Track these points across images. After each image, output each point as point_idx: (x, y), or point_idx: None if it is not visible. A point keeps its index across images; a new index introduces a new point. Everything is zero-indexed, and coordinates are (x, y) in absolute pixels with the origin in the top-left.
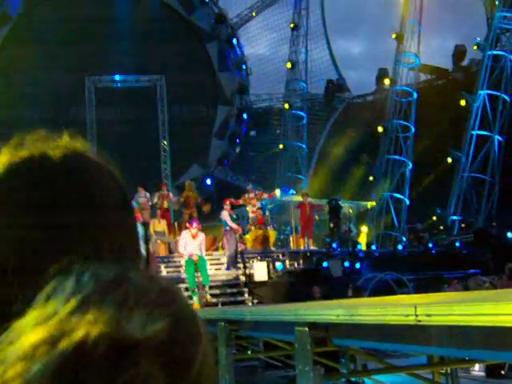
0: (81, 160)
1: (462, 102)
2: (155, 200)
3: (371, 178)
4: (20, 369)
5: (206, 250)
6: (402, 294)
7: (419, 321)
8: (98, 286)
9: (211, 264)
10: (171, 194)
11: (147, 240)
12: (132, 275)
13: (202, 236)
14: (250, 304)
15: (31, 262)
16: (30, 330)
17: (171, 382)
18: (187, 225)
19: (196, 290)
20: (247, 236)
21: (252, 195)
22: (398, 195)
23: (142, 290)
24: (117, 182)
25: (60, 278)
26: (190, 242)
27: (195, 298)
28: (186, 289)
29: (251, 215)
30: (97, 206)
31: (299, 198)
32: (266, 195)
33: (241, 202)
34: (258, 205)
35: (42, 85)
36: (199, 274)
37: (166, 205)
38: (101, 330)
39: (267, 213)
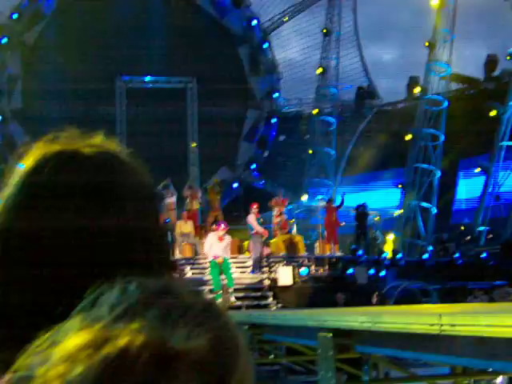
0: (112, 160)
1: (493, 113)
2: (186, 193)
3: (399, 186)
4: (62, 370)
5: (232, 253)
6: (427, 303)
7: (443, 330)
8: (143, 296)
9: (236, 267)
10: (199, 195)
11: (172, 248)
12: (177, 288)
13: (228, 239)
14: (274, 308)
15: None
16: (75, 333)
17: None
18: (214, 226)
19: (220, 291)
20: (273, 240)
21: (281, 200)
22: (425, 204)
23: (187, 303)
24: (146, 185)
25: (106, 286)
26: (216, 244)
27: (219, 301)
28: (210, 290)
29: (276, 220)
30: (118, 207)
31: (325, 204)
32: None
33: (275, 205)
34: (284, 210)
35: (73, 82)
36: (224, 276)
37: (195, 206)
38: (144, 339)
39: (292, 218)
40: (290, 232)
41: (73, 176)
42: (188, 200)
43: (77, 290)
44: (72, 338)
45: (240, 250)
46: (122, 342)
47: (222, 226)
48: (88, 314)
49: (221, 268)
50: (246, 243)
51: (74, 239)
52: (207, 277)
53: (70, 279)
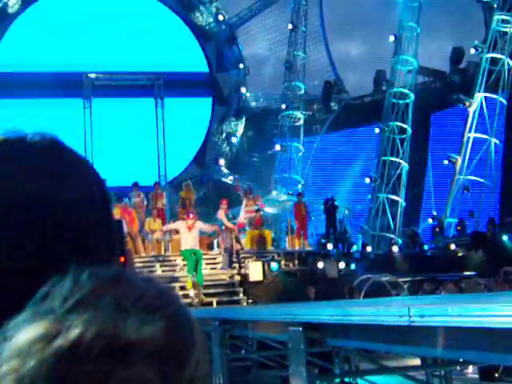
0: (57, 145)
1: (460, 105)
2: (153, 191)
3: (368, 179)
4: (15, 364)
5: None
6: (397, 295)
7: (413, 321)
8: (95, 286)
9: (206, 263)
10: (164, 194)
11: (122, 238)
12: (129, 276)
13: (199, 224)
14: (245, 304)
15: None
16: (27, 327)
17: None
18: (184, 216)
19: (191, 277)
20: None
21: (251, 196)
22: (393, 197)
23: (139, 291)
24: (92, 171)
25: (57, 278)
26: (186, 235)
27: (189, 278)
28: (181, 288)
29: (246, 215)
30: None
31: (295, 199)
32: (259, 202)
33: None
34: (255, 207)
35: (40, 79)
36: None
37: (159, 204)
38: (97, 329)
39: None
40: (262, 227)
41: (19, 161)
42: (155, 198)
43: (26, 279)
44: (23, 332)
45: (209, 246)
46: (74, 333)
47: (191, 215)
48: (39, 307)
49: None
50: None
51: (23, 224)
52: (177, 274)
53: (18, 269)
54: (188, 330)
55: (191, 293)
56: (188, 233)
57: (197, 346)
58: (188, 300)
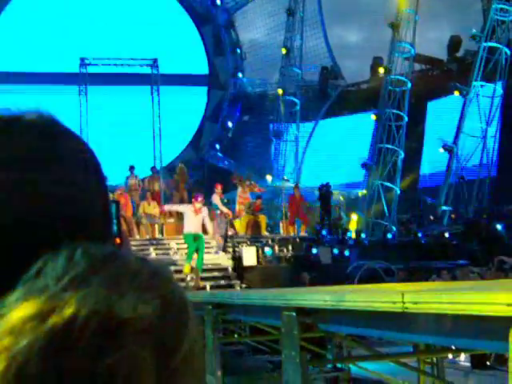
0: (52, 123)
1: (456, 93)
2: (150, 174)
3: (364, 166)
4: (7, 343)
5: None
6: (390, 282)
7: (406, 308)
8: (89, 263)
9: None
10: (160, 177)
11: (118, 218)
12: (123, 255)
13: (205, 211)
14: (238, 288)
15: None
16: (20, 305)
17: (157, 364)
18: (192, 199)
19: (190, 264)
20: (238, 221)
21: (248, 183)
22: (389, 184)
23: (134, 270)
24: (87, 149)
25: (49, 255)
26: (192, 218)
27: (186, 263)
28: (176, 271)
29: (242, 200)
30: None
31: (290, 185)
32: (256, 189)
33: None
34: (254, 195)
35: (34, 64)
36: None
37: (156, 187)
38: (91, 308)
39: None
40: (260, 213)
41: (13, 141)
42: (150, 182)
43: (19, 259)
44: (16, 310)
45: (204, 230)
46: (68, 312)
47: (199, 198)
48: (33, 285)
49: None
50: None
51: (15, 201)
52: (172, 257)
53: (10, 248)
54: (182, 309)
55: (188, 277)
56: (194, 216)
57: (190, 326)
58: (183, 284)
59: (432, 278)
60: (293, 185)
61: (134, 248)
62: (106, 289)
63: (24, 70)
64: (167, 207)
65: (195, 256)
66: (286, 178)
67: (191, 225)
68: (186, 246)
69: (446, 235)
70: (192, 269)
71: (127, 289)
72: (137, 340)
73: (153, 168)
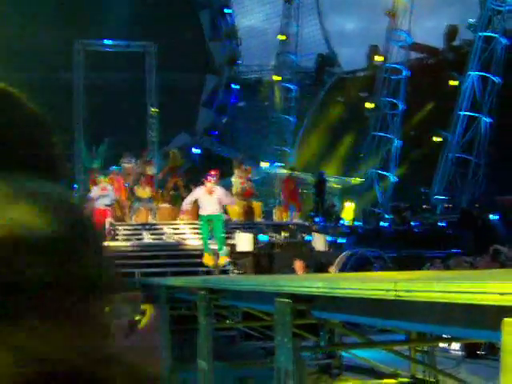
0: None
1: (452, 82)
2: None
3: (359, 154)
4: None
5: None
6: (381, 270)
7: (399, 296)
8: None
9: (194, 233)
10: (154, 161)
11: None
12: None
13: (219, 191)
14: (232, 274)
15: None
16: None
17: (56, 273)
18: (203, 179)
19: (211, 257)
20: (232, 207)
21: (244, 167)
22: (383, 172)
23: (39, 189)
24: (41, 114)
25: None
26: (206, 199)
27: (206, 252)
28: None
29: (238, 186)
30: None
31: (284, 171)
32: (250, 174)
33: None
34: (249, 177)
35: (30, 46)
36: (213, 240)
37: (148, 171)
38: None
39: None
40: (253, 199)
41: None
42: (144, 166)
43: None
44: None
45: (198, 215)
46: None
47: (210, 178)
48: None
49: (211, 227)
50: None
51: None
52: (167, 242)
53: None
54: (81, 229)
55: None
56: (209, 196)
57: (91, 244)
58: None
59: (426, 267)
60: (287, 171)
61: (127, 232)
62: (3, 207)
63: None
64: (185, 206)
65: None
66: (281, 165)
67: (206, 207)
68: (178, 231)
69: (441, 224)
70: (214, 257)
71: (25, 202)
72: (33, 252)
73: (145, 152)
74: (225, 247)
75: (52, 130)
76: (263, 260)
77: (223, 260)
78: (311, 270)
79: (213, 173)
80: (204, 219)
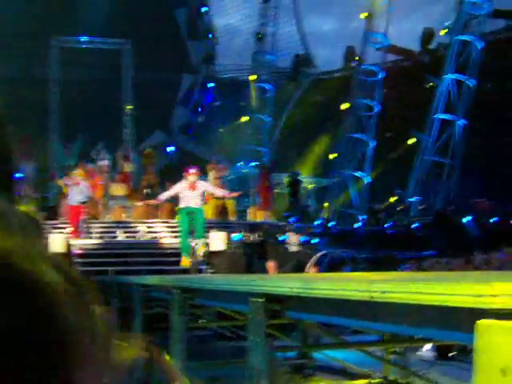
0: None
1: (428, 85)
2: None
3: (333, 155)
4: None
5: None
6: (354, 271)
7: (373, 297)
8: None
9: (168, 232)
10: (130, 158)
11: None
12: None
13: (202, 185)
14: (205, 274)
15: None
16: None
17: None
18: (184, 173)
19: (188, 257)
20: (206, 206)
21: (220, 166)
22: (358, 173)
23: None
24: None
25: None
26: (188, 194)
27: (185, 256)
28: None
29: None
30: None
31: (259, 170)
32: (224, 173)
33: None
34: (222, 176)
35: (6, 41)
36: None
37: (126, 168)
38: None
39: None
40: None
41: None
42: (120, 163)
43: None
44: None
45: (172, 214)
46: None
47: (192, 170)
48: None
49: (191, 218)
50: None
51: None
52: (141, 240)
53: None
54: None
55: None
56: (191, 192)
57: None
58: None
59: (400, 268)
60: (262, 171)
61: (100, 230)
62: None
63: None
64: (162, 197)
65: (193, 244)
66: (256, 165)
67: (188, 200)
68: (153, 229)
69: (415, 226)
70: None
71: None
72: None
73: (121, 150)
74: (204, 238)
75: (6, 126)
76: (236, 259)
77: (203, 248)
78: (288, 270)
79: (192, 170)
80: (184, 212)
